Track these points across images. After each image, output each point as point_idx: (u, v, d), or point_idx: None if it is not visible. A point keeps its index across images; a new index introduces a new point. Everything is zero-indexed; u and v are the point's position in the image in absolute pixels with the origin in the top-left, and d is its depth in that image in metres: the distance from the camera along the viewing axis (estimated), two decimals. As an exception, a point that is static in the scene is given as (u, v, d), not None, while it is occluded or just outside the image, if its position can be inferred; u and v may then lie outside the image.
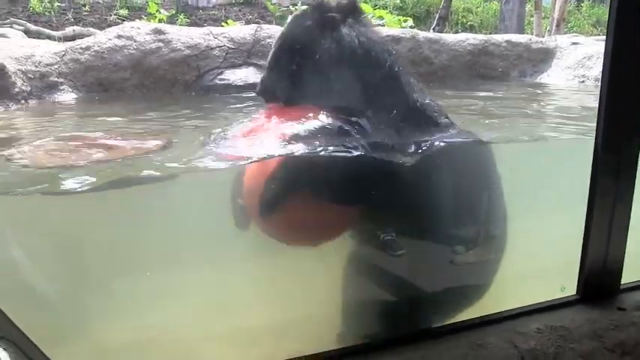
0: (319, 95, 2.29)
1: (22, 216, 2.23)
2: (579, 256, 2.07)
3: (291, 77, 2.42)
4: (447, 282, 2.34)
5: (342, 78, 2.28)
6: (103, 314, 2.29)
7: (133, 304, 2.37)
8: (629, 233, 2.06)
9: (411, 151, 2.20)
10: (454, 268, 2.36)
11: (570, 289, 2.12)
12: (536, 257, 2.45)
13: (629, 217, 2.03)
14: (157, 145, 2.55)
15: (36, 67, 4.07)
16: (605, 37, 1.96)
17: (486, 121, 3.29)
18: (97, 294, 2.28)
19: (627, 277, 2.15)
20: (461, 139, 2.31)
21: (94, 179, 2.14)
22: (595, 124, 1.98)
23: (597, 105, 1.97)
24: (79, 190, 2.08)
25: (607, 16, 1.94)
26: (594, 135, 1.98)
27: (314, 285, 2.41)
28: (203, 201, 2.35)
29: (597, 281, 2.10)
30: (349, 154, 2.07)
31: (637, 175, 2.01)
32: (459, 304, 2.31)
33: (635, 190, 2.02)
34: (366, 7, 10.13)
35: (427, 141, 2.25)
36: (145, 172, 2.24)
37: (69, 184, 2.10)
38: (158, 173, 2.24)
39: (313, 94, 2.32)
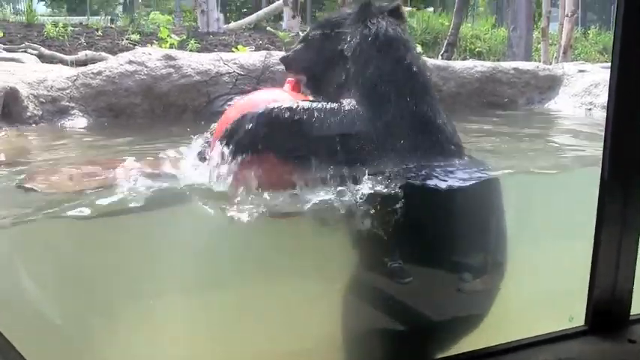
0: (341, 86, 2.33)
1: (46, 241, 2.25)
2: (587, 285, 2.06)
3: (319, 59, 2.49)
4: (451, 310, 2.33)
5: (367, 72, 2.30)
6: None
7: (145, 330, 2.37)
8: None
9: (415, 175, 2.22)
10: (459, 296, 2.35)
11: (578, 320, 2.10)
12: (543, 286, 2.44)
13: (637, 246, 2.02)
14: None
15: (48, 91, 4.13)
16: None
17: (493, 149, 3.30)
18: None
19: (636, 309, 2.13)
20: (469, 175, 2.32)
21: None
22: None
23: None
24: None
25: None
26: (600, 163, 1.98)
27: (314, 312, 2.41)
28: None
29: (606, 312, 2.08)
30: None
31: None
32: (460, 333, 2.30)
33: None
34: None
35: (436, 166, 2.27)
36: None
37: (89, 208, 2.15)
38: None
39: (336, 82, 2.35)
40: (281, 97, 2.39)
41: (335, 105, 2.21)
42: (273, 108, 2.16)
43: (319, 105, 2.20)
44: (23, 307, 2.13)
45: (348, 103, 2.22)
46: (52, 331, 2.16)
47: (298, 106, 2.17)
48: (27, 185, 2.38)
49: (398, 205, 2.15)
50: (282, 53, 5.19)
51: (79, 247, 2.27)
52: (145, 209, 2.24)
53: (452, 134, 2.37)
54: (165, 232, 2.36)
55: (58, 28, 9.21)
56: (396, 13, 2.43)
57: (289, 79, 2.59)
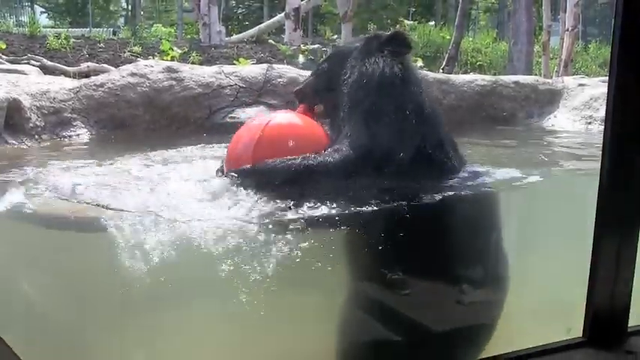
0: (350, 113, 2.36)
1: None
2: (585, 296, 2.07)
3: (330, 90, 2.57)
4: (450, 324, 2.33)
5: (361, 110, 2.33)
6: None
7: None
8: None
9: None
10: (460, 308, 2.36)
11: (576, 331, 2.10)
12: (541, 297, 2.45)
13: (635, 258, 2.03)
14: None
15: (50, 102, 4.15)
16: (608, 77, 2.00)
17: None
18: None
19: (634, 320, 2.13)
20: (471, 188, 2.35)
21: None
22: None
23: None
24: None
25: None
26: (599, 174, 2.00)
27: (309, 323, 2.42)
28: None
29: (604, 323, 2.09)
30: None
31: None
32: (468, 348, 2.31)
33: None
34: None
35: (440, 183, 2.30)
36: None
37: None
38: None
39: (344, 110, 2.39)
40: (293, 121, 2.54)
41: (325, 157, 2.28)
42: None
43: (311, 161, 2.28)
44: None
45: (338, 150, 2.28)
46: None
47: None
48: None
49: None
50: (284, 66, 5.24)
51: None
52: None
53: (454, 147, 2.42)
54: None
55: (60, 40, 9.27)
56: (397, 41, 2.47)
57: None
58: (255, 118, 2.76)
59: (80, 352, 2.28)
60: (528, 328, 2.36)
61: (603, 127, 2.02)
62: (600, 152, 2.01)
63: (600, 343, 2.07)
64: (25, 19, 15.47)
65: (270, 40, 11.56)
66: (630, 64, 1.92)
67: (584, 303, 2.08)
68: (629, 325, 2.13)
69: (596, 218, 2.03)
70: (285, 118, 2.57)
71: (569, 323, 2.13)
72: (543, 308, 2.39)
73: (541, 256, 2.61)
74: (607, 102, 1.99)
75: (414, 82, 2.43)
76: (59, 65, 7.95)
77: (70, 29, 14.29)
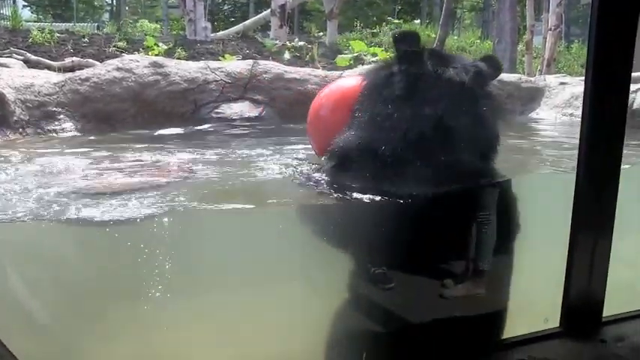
0: None
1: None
2: (562, 288, 2.12)
3: None
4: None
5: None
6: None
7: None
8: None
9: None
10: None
11: (553, 321, 2.16)
12: (520, 289, 2.50)
13: (610, 251, 2.09)
14: (182, 173, 2.70)
15: (35, 96, 4.15)
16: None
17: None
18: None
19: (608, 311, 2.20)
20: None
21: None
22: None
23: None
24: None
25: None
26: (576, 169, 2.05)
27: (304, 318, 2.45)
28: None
29: (580, 314, 2.15)
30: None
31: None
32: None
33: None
34: (360, 45, 10.33)
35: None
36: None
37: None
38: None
39: None
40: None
41: None
42: None
43: None
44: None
45: None
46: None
47: None
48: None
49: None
50: (269, 62, 5.27)
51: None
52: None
53: None
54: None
55: (44, 34, 9.19)
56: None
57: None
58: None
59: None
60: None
61: (580, 124, 2.08)
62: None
63: (576, 332, 2.13)
64: (6, 12, 15.28)
65: (257, 37, 11.55)
66: (605, 64, 1.98)
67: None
68: (604, 315, 2.20)
69: (572, 212, 2.09)
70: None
71: (546, 314, 2.19)
72: (521, 299, 2.44)
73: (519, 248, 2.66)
74: (583, 100, 2.05)
75: None
76: (43, 59, 7.88)
77: (53, 23, 14.15)
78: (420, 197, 2.26)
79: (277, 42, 10.66)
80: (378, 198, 2.28)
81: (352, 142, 2.36)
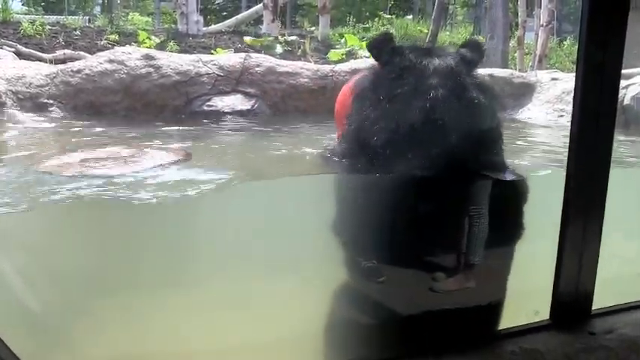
0: None
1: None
2: (552, 281, 2.14)
3: None
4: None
5: None
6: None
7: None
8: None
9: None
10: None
11: (543, 314, 2.18)
12: (510, 282, 2.52)
13: (599, 245, 2.11)
14: (179, 157, 2.73)
15: (27, 88, 4.13)
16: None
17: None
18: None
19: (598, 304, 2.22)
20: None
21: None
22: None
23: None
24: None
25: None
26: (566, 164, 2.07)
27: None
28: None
29: (569, 307, 2.17)
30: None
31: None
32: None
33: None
34: (353, 39, 10.32)
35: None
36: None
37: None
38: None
39: None
40: None
41: None
42: None
43: None
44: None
45: None
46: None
47: None
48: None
49: None
50: (262, 55, 5.27)
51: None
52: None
53: None
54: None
55: (35, 27, 9.12)
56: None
57: None
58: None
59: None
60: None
61: (571, 120, 2.10)
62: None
63: (565, 325, 2.16)
64: (-3, 4, 15.15)
65: (246, 38, 11.50)
66: (595, 61, 2.00)
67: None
68: (594, 308, 2.23)
69: (562, 206, 2.11)
70: None
71: (536, 306, 2.21)
72: (512, 292, 2.46)
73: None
74: (574, 96, 2.07)
75: None
76: (34, 52, 7.82)
77: (44, 15, 14.04)
78: (412, 183, 2.28)
79: (269, 35, 10.62)
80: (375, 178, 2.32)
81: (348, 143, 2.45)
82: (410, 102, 2.29)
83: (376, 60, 2.48)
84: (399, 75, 2.36)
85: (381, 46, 2.46)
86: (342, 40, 10.39)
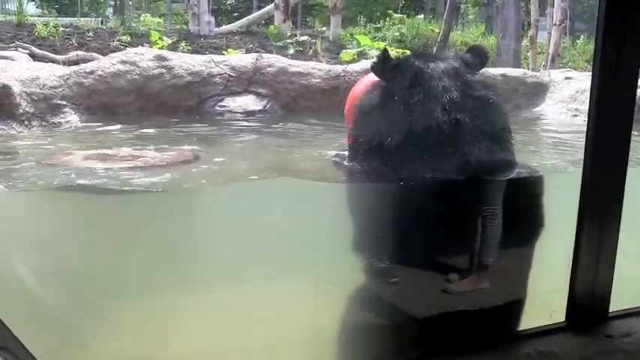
0: None
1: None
2: (568, 282, 2.12)
3: None
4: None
5: None
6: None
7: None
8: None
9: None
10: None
11: (559, 315, 2.16)
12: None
13: (617, 246, 2.08)
14: (188, 158, 2.76)
15: (40, 89, 4.16)
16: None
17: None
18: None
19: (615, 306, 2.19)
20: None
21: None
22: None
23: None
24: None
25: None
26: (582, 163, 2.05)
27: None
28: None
29: (586, 309, 2.14)
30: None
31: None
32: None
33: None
34: (365, 39, 10.31)
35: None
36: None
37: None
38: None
39: None
40: None
41: None
42: None
43: None
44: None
45: None
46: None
47: None
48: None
49: None
50: (274, 55, 5.27)
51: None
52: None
53: None
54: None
55: (48, 29, 9.19)
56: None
57: None
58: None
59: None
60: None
61: (587, 119, 2.07)
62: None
63: (581, 327, 2.13)
64: (11, 7, 15.28)
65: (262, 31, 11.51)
66: (612, 59, 1.98)
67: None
68: (610, 310, 2.20)
69: (579, 207, 2.08)
70: None
71: (552, 307, 2.18)
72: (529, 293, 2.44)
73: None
74: (590, 94, 2.04)
75: None
76: (48, 53, 7.88)
77: (57, 18, 14.15)
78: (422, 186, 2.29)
79: (281, 29, 10.61)
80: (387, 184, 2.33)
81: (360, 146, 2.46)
82: (418, 110, 2.30)
83: (382, 78, 2.51)
84: (406, 87, 2.38)
85: (383, 66, 2.49)
86: (354, 41, 10.37)
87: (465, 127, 2.27)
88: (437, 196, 2.31)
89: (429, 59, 2.48)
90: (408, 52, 2.71)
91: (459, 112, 2.28)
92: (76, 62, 6.84)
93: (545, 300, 2.29)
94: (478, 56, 2.53)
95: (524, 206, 2.40)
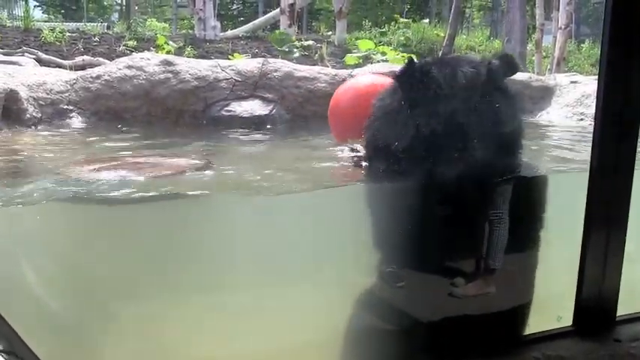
0: None
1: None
2: (575, 286, 2.11)
3: None
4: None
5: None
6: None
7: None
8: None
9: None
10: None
11: (567, 320, 2.15)
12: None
13: (624, 250, 2.08)
14: (197, 165, 2.77)
15: (47, 94, 4.18)
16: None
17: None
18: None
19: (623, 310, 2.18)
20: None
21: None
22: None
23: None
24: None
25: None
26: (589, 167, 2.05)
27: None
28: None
29: (593, 313, 2.14)
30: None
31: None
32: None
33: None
34: (368, 44, 10.32)
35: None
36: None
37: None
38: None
39: None
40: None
41: None
42: None
43: None
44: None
45: None
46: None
47: None
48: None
49: None
50: (279, 60, 5.28)
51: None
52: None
53: None
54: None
55: (55, 34, 9.25)
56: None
57: None
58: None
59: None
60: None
61: (593, 122, 2.07)
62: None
63: (589, 331, 2.12)
64: (18, 12, 15.38)
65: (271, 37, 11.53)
66: (618, 62, 1.97)
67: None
68: (618, 314, 2.19)
69: (585, 210, 2.08)
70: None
71: (559, 311, 2.18)
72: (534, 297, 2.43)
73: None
74: (597, 97, 2.04)
75: None
76: (54, 58, 7.94)
77: (64, 23, 14.24)
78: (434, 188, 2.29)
79: (288, 33, 10.63)
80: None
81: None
82: (445, 117, 2.30)
83: (407, 88, 2.50)
84: (425, 91, 2.37)
85: (410, 77, 2.48)
86: (359, 45, 10.40)
87: (490, 135, 2.27)
88: (448, 200, 2.31)
89: (457, 64, 2.46)
90: (431, 58, 2.64)
91: (486, 120, 2.28)
92: (83, 67, 6.88)
93: (553, 304, 2.28)
94: (507, 65, 2.51)
95: (529, 207, 2.40)
